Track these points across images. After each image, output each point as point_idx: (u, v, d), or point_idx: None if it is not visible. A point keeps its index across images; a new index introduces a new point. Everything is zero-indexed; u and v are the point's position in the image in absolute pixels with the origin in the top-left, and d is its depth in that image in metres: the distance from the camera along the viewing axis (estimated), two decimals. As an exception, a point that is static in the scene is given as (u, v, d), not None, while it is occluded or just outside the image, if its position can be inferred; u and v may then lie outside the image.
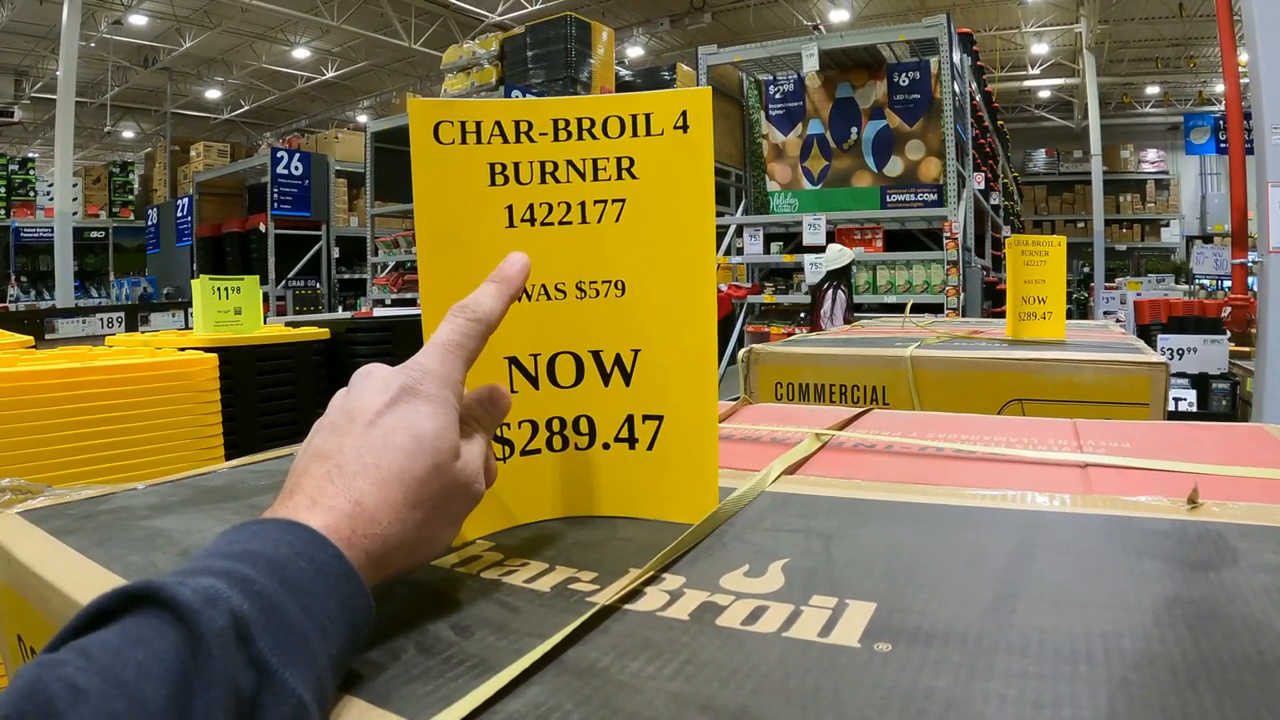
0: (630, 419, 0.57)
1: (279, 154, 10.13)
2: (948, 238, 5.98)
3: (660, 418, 0.57)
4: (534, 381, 0.57)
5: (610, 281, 0.56)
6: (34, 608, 0.54)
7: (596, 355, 0.57)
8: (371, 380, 0.45)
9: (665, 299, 0.56)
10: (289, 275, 10.18)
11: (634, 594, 0.45)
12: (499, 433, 0.56)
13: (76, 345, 2.34)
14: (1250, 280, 5.55)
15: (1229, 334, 5.57)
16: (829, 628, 0.40)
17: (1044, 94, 17.59)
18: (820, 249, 6.30)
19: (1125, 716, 0.32)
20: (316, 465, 0.42)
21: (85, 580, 0.50)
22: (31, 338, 2.48)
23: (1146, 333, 6.66)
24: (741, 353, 1.72)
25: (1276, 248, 3.99)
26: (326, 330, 2.54)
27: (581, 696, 0.35)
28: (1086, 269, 16.02)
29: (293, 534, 0.38)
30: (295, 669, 0.33)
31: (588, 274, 0.56)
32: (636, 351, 0.57)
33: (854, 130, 6.77)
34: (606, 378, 0.57)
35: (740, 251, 6.90)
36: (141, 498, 0.70)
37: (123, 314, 7.87)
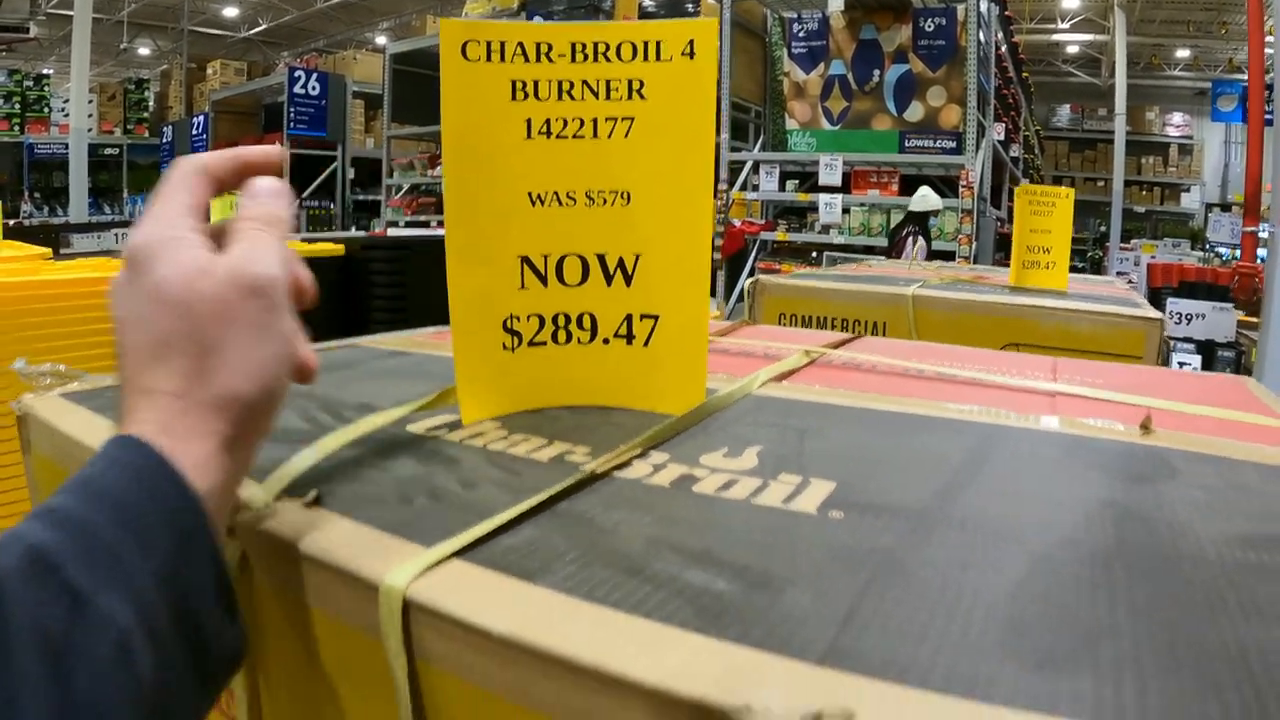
0: (629, 317, 0.62)
1: (296, 73, 10.05)
2: (964, 186, 5.95)
3: (656, 317, 0.62)
4: (543, 279, 0.62)
5: (617, 192, 0.61)
6: (71, 474, 0.59)
7: (601, 258, 0.62)
8: (125, 261, 0.41)
9: (666, 209, 0.60)
10: (303, 196, 10.17)
11: (622, 465, 0.50)
12: (507, 324, 0.61)
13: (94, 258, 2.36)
14: (1261, 253, 5.54)
15: (1235, 302, 5.59)
16: (791, 498, 0.45)
17: (1072, 49, 17.24)
18: (836, 189, 6.28)
19: (1039, 580, 0.37)
20: (118, 375, 0.39)
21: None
22: (49, 249, 2.51)
23: (1157, 296, 6.67)
24: (748, 283, 1.76)
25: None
26: (341, 246, 2.58)
27: (569, 536, 0.40)
28: (1103, 228, 15.89)
29: (110, 445, 0.36)
30: (111, 592, 0.30)
31: (597, 184, 0.61)
32: (638, 256, 0.61)
33: (876, 73, 6.70)
34: (609, 279, 0.62)
35: (756, 188, 6.89)
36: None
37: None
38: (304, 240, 2.76)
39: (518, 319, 0.62)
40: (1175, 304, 5.81)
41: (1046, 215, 2.15)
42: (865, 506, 0.44)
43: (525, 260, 0.61)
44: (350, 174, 10.60)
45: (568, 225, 0.61)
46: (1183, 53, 16.52)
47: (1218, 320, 5.62)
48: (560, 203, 0.61)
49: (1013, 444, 0.58)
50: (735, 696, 0.27)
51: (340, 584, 0.38)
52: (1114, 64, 14.86)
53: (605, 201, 0.61)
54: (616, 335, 0.63)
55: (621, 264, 0.62)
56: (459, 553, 0.37)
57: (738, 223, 6.72)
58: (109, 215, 12.92)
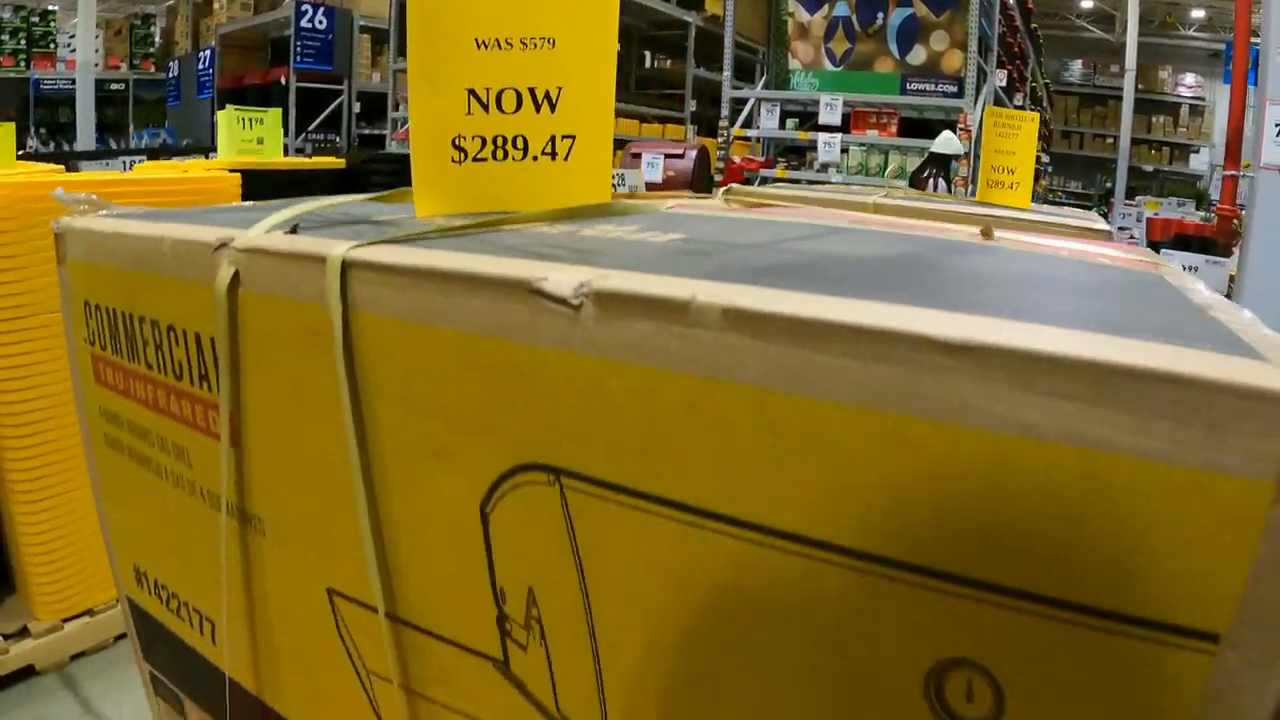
0: (553, 138, 0.76)
1: (303, 7, 10.07)
2: (962, 130, 6.02)
3: (574, 137, 0.75)
4: (485, 107, 0.75)
5: (545, 38, 0.75)
6: (102, 264, 0.72)
7: (531, 90, 0.75)
8: None
9: (582, 52, 0.74)
10: (309, 129, 10.24)
11: (530, 228, 0.64)
12: (456, 142, 0.75)
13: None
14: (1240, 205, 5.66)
15: (1215, 243, 5.69)
16: (650, 238, 0.59)
17: (1086, 3, 17.09)
18: (836, 129, 6.36)
19: (815, 262, 0.50)
20: None
21: (152, 228, 0.67)
22: (62, 166, 2.63)
23: (1155, 249, 6.74)
24: (720, 191, 1.89)
25: (1268, 164, 4.10)
26: (343, 160, 2.71)
27: (471, 241, 0.54)
28: (1109, 184, 15.88)
29: None
30: None
31: (529, 32, 0.74)
32: (560, 89, 0.75)
33: (880, 15, 6.73)
34: (538, 107, 0.75)
35: (757, 126, 6.97)
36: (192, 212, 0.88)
37: (144, 158, 8.00)
38: (305, 156, 2.88)
39: (464, 138, 0.75)
40: (1169, 256, 5.89)
41: (1011, 137, 2.24)
42: (703, 241, 0.58)
43: (471, 92, 0.75)
44: (356, 108, 10.66)
45: (505, 64, 0.75)
46: (1198, 13, 16.35)
47: (1210, 273, 5.71)
48: (500, 47, 0.75)
49: (868, 236, 0.71)
50: (540, 274, 0.41)
51: (302, 268, 0.51)
52: (1126, 20, 14.72)
53: (535, 46, 0.75)
54: (543, 153, 0.76)
55: (547, 95, 0.75)
56: (387, 241, 0.51)
57: (737, 159, 6.81)
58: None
